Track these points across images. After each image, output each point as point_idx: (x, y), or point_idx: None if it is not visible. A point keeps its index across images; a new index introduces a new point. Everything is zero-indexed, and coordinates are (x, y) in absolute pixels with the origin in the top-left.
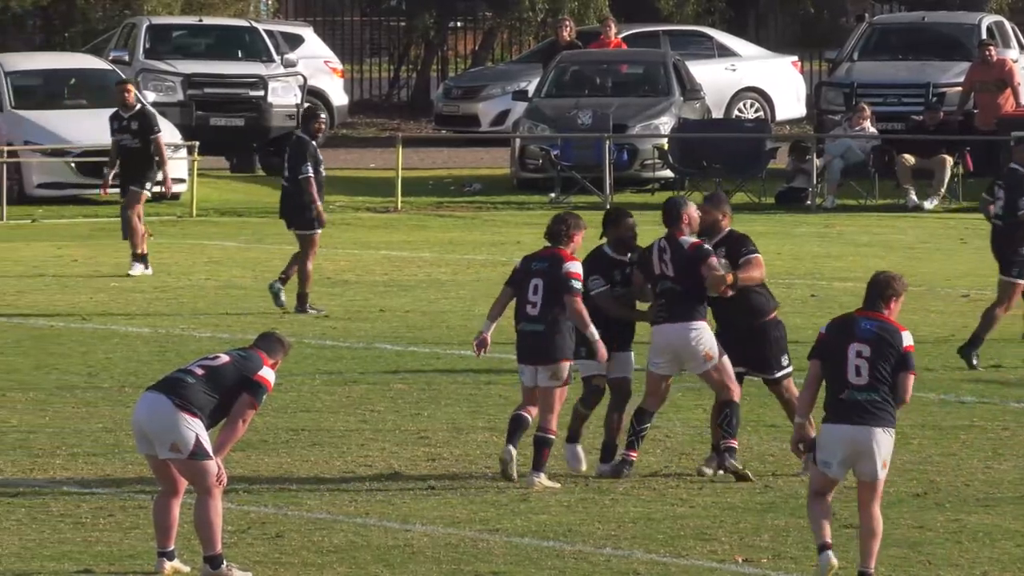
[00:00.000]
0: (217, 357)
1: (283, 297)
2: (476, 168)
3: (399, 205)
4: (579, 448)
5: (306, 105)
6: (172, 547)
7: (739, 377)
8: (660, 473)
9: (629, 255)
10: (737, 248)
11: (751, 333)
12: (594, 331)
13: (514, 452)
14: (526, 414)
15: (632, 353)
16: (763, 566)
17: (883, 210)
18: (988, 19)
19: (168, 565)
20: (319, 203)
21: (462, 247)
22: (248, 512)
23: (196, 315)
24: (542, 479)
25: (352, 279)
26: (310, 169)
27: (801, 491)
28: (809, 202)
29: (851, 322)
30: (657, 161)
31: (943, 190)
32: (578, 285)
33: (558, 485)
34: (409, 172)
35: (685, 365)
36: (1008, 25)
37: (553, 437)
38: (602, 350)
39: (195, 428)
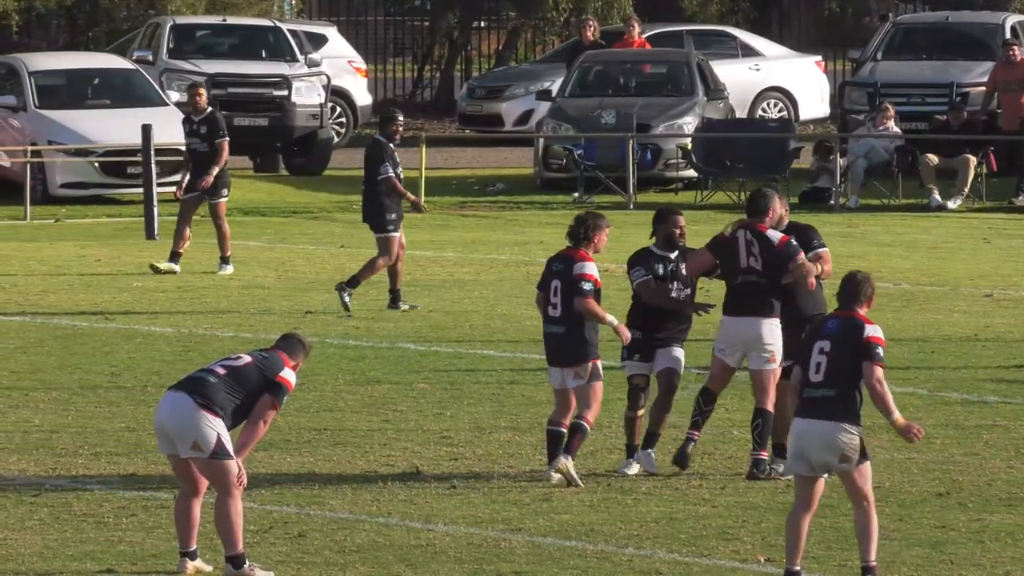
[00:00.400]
0: (239, 357)
1: (347, 298)
2: (500, 168)
3: (423, 205)
4: (652, 453)
5: (388, 109)
6: (194, 547)
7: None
8: (682, 473)
9: (676, 252)
10: (807, 240)
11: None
12: (612, 319)
13: (568, 460)
14: (560, 429)
15: (682, 350)
16: (784, 566)
17: (906, 210)
18: (1012, 19)
19: (190, 565)
20: (410, 195)
21: (485, 247)
22: (270, 512)
23: (219, 315)
24: (568, 462)
25: (375, 279)
26: (389, 169)
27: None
28: (832, 202)
29: (821, 321)
30: (681, 161)
31: (967, 190)
32: (588, 286)
33: (580, 484)
34: (432, 172)
35: (748, 358)
36: None
37: (587, 425)
38: (625, 332)
39: (216, 427)
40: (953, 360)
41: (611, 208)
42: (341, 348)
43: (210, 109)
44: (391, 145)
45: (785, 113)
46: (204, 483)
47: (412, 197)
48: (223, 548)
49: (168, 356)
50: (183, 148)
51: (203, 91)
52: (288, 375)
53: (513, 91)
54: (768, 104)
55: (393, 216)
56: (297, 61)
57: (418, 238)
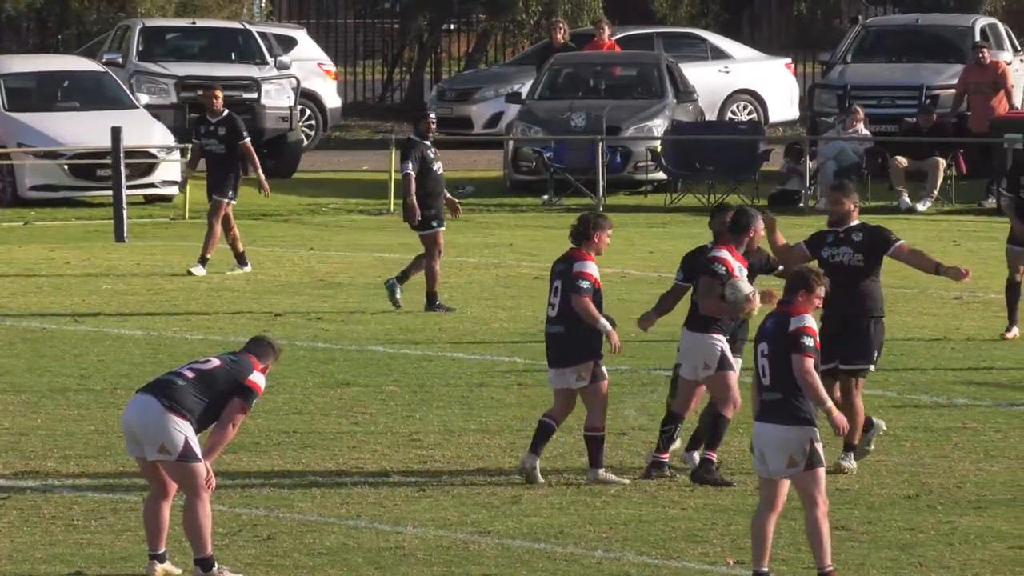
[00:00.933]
0: (208, 361)
1: (399, 295)
2: (469, 170)
3: (392, 207)
4: (696, 455)
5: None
6: (163, 549)
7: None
8: (653, 478)
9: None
10: (883, 237)
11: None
12: (605, 323)
13: (536, 461)
14: (551, 421)
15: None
16: (752, 568)
17: (876, 212)
18: (982, 21)
19: (159, 567)
20: (412, 198)
21: (455, 249)
22: (240, 514)
23: (188, 317)
24: (602, 473)
25: (345, 281)
26: (409, 166)
27: (791, 493)
28: (802, 204)
29: (763, 321)
30: (650, 163)
31: (936, 192)
32: (585, 285)
33: (626, 481)
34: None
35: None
36: (1002, 27)
37: (601, 434)
38: (615, 340)
39: (184, 430)
40: (922, 362)
41: (580, 211)
42: (310, 351)
43: (227, 111)
44: (424, 142)
45: (755, 115)
46: (173, 485)
47: (412, 202)
48: (192, 551)
49: (138, 359)
50: (152, 150)
51: (219, 93)
52: (257, 379)
53: (483, 94)
54: (738, 106)
55: (431, 212)
56: (267, 64)
57: (387, 241)
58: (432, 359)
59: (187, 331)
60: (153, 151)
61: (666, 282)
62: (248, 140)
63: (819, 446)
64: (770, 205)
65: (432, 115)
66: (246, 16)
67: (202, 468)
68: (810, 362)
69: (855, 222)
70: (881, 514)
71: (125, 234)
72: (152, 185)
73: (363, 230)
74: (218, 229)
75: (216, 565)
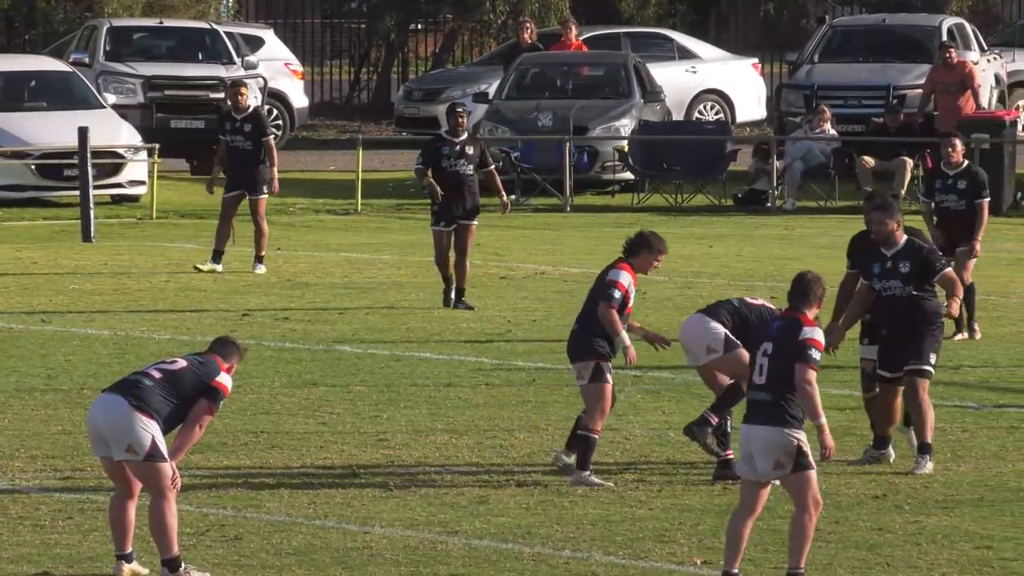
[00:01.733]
0: (175, 361)
1: (452, 296)
2: None
3: (359, 207)
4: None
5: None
6: (130, 549)
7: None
8: (619, 475)
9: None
10: (930, 267)
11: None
12: (624, 338)
13: (565, 458)
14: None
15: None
16: (722, 568)
17: (844, 212)
18: (949, 21)
19: (126, 568)
20: (428, 180)
21: (422, 249)
22: (207, 514)
23: (156, 317)
24: (585, 475)
25: (312, 281)
26: (419, 160)
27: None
28: (770, 204)
29: (770, 322)
30: (618, 163)
31: (903, 192)
32: (615, 293)
33: (610, 484)
34: (369, 174)
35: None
36: (968, 27)
37: (594, 436)
38: (632, 354)
39: (151, 430)
40: None
41: (548, 211)
42: (278, 351)
43: (252, 107)
44: (453, 139)
45: (722, 115)
46: (138, 485)
47: (427, 181)
48: (158, 551)
49: (105, 359)
50: (119, 150)
51: (245, 90)
52: (224, 380)
53: (450, 93)
54: (705, 106)
55: (435, 209)
56: (234, 63)
57: (355, 241)
58: (399, 359)
59: (154, 331)
60: (120, 151)
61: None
62: (272, 137)
63: (807, 448)
64: (738, 205)
65: (459, 109)
66: (213, 16)
67: (168, 468)
68: (813, 374)
69: (901, 243)
70: (848, 514)
71: (92, 234)
72: (119, 185)
73: (330, 230)
74: (265, 225)
75: (183, 565)
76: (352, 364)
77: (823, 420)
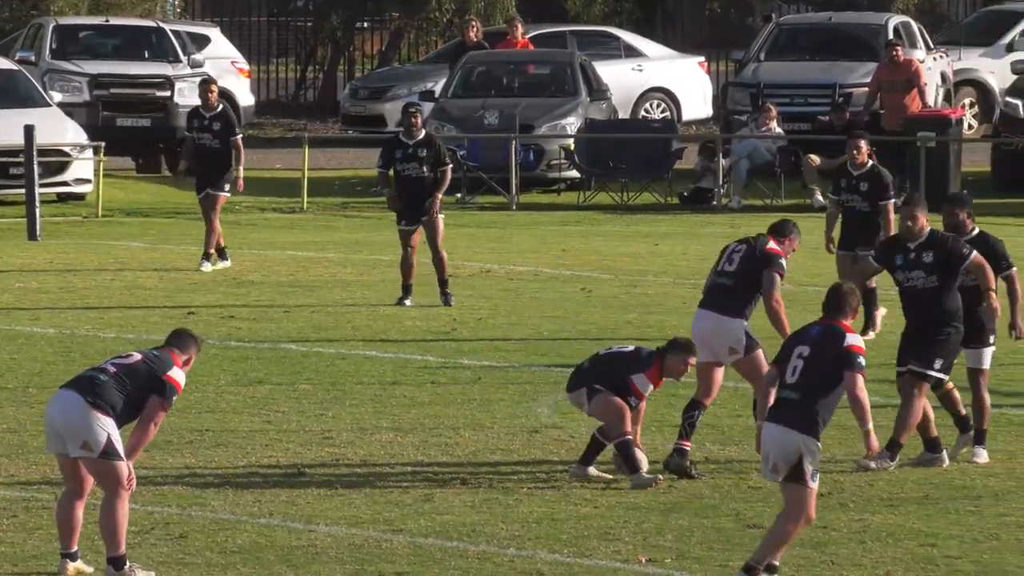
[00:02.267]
0: (130, 356)
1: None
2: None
3: (305, 206)
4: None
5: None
6: (75, 548)
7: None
8: (565, 473)
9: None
10: (957, 255)
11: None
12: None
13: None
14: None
15: (982, 348)
16: (667, 566)
17: (790, 210)
18: (895, 20)
19: (71, 566)
20: (385, 190)
21: (368, 248)
22: (152, 512)
23: (102, 315)
24: (590, 471)
25: (258, 279)
26: (378, 162)
27: (704, 491)
28: (715, 202)
29: (805, 328)
30: (564, 161)
31: (892, 191)
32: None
33: (609, 477)
34: (315, 173)
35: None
36: (915, 26)
37: (606, 443)
38: None
39: (107, 427)
40: None
41: (494, 209)
42: (223, 349)
43: (222, 106)
44: (407, 140)
45: (668, 114)
46: (89, 483)
47: (386, 193)
48: (105, 549)
49: (50, 357)
50: (65, 148)
51: (215, 88)
52: (176, 374)
53: (396, 92)
54: (651, 105)
55: (398, 208)
56: (180, 62)
57: (301, 239)
58: (345, 357)
59: (100, 329)
60: (66, 149)
61: (580, 280)
62: (241, 136)
63: (810, 465)
64: (683, 203)
65: (412, 108)
66: (159, 14)
67: (123, 466)
68: (863, 380)
69: (924, 235)
70: None
71: (38, 232)
72: (65, 183)
73: (276, 228)
74: (217, 223)
75: (128, 564)
76: (297, 362)
77: (870, 426)
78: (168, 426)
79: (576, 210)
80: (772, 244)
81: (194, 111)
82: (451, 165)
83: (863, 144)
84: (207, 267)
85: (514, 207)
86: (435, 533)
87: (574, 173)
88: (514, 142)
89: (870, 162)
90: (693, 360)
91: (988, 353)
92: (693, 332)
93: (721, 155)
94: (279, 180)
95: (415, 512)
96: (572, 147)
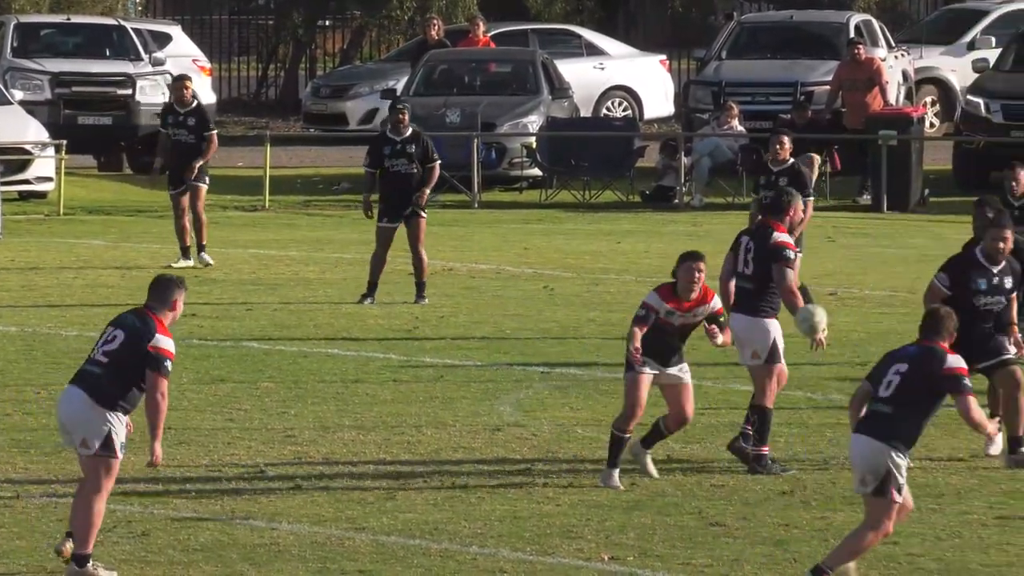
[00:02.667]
0: (114, 338)
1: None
2: (344, 167)
3: (267, 204)
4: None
5: None
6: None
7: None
8: (527, 471)
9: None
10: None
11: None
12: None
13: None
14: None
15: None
16: (629, 564)
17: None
18: (856, 18)
19: (68, 545)
20: (364, 198)
21: (330, 245)
22: (114, 510)
23: (63, 313)
24: (613, 476)
25: (220, 277)
26: (365, 159)
27: (667, 489)
28: (677, 200)
29: (902, 346)
30: (526, 160)
31: (811, 188)
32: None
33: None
34: (277, 171)
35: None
36: (876, 24)
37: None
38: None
39: (110, 422)
40: (797, 359)
41: (456, 207)
42: (185, 347)
43: (196, 102)
44: (395, 137)
45: (630, 112)
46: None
47: (365, 203)
48: (74, 543)
49: (12, 355)
50: (27, 147)
51: (190, 84)
52: (161, 341)
53: (358, 90)
54: (613, 103)
55: (381, 206)
56: (141, 60)
57: (263, 237)
58: (307, 355)
59: (62, 327)
60: (28, 147)
61: (542, 278)
62: (215, 132)
63: (899, 478)
64: (645, 201)
65: (399, 106)
66: (121, 12)
67: (115, 465)
68: (974, 401)
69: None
70: (756, 510)
71: None
72: (27, 181)
73: (238, 227)
74: (204, 215)
75: (91, 562)
76: (260, 360)
77: (990, 429)
78: (130, 424)
79: (538, 208)
80: (776, 235)
81: (167, 107)
82: (439, 161)
83: (786, 140)
84: (207, 259)
85: (476, 205)
86: (398, 531)
87: (536, 171)
88: (476, 140)
89: (791, 160)
90: (702, 265)
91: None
92: (731, 330)
93: (683, 153)
94: (241, 178)
95: (377, 510)
96: (534, 145)
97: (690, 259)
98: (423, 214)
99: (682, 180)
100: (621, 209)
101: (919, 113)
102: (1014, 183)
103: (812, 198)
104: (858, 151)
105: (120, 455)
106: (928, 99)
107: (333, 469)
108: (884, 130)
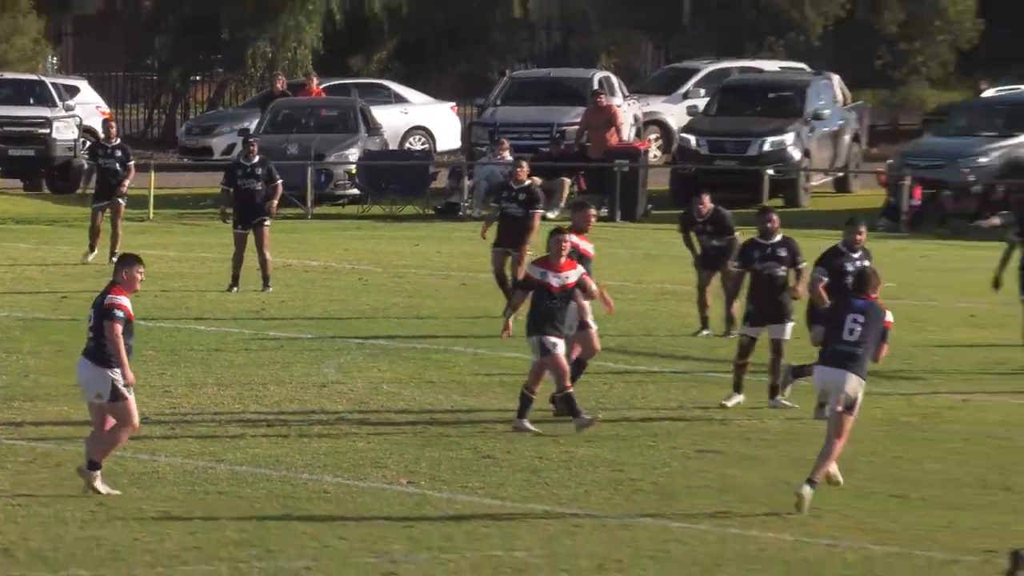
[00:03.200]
0: (91, 316)
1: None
2: (209, 188)
3: (151, 215)
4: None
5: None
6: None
7: None
8: (345, 418)
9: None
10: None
11: None
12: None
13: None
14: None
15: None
16: (422, 487)
17: None
18: (599, 74)
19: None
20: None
21: (199, 247)
22: (35, 447)
23: None
24: (525, 423)
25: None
26: (223, 181)
27: (449, 432)
28: (461, 213)
29: (849, 300)
30: (348, 182)
31: (563, 204)
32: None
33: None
34: (160, 191)
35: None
36: (614, 78)
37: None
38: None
39: (113, 376)
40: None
41: (294, 218)
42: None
43: (119, 139)
44: (246, 163)
45: (427, 146)
46: (109, 424)
47: (223, 212)
48: (94, 455)
49: None
50: None
51: (113, 125)
52: (114, 298)
53: (221, 129)
54: (414, 139)
55: (234, 217)
56: (57, 106)
57: (148, 241)
58: (180, 330)
59: None
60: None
61: (358, 272)
62: (133, 162)
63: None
64: (438, 214)
65: (251, 140)
66: (41, 70)
67: (131, 404)
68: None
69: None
70: (517, 444)
71: None
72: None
73: (130, 234)
74: (120, 230)
75: (99, 472)
76: (144, 334)
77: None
78: (48, 383)
79: (356, 219)
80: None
81: (96, 144)
82: (281, 181)
83: (525, 165)
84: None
85: (309, 216)
86: (248, 462)
87: (355, 191)
88: (310, 168)
89: (527, 180)
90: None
91: (789, 327)
92: None
93: (466, 177)
94: (131, 196)
95: (233, 447)
96: (354, 171)
97: (557, 233)
98: (268, 222)
99: (465, 197)
100: (419, 220)
101: (645, 147)
102: (700, 206)
103: (541, 211)
104: (599, 176)
105: (129, 396)
106: (652, 136)
107: (200, 416)
108: (619, 159)
